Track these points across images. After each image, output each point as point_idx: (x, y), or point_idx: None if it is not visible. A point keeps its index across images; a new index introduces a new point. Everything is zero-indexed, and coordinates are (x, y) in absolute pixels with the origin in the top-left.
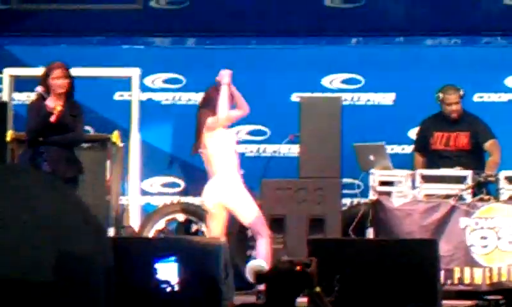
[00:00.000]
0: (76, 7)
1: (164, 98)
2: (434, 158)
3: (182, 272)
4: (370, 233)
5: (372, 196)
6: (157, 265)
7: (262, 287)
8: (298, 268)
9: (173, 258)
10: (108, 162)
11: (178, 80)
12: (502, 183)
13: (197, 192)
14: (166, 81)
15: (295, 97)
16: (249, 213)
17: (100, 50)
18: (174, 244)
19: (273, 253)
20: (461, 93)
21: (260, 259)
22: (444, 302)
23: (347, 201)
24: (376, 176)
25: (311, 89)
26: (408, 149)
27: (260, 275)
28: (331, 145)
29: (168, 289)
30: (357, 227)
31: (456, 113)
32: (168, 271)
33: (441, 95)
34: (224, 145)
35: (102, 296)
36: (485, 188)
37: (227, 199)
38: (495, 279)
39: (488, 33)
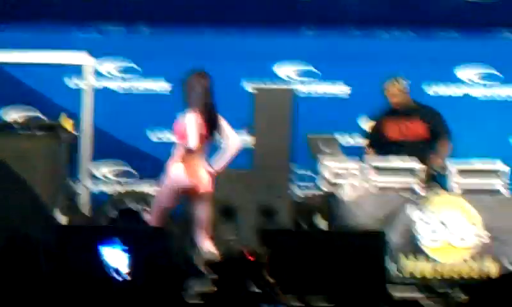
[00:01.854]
0: None
1: (117, 85)
2: (388, 150)
3: (133, 260)
4: (322, 225)
5: (325, 187)
6: (103, 249)
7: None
8: (249, 257)
9: (119, 244)
10: (59, 148)
11: (132, 68)
12: (454, 176)
13: (149, 181)
14: (120, 69)
15: (248, 87)
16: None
17: (53, 37)
18: (125, 232)
19: (225, 243)
20: (403, 84)
21: (210, 246)
22: (394, 293)
23: (299, 192)
24: (329, 167)
25: (263, 77)
26: (362, 140)
27: (210, 264)
28: (283, 136)
29: (119, 277)
30: (309, 218)
31: (398, 104)
32: (117, 259)
33: (385, 87)
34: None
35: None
36: (436, 181)
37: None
38: (445, 274)
39: (442, 26)
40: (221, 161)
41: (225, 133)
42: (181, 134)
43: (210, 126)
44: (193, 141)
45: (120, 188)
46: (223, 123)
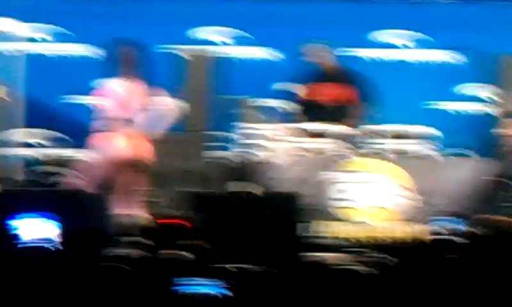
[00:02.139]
0: None
1: (47, 50)
2: (309, 112)
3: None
4: (237, 186)
5: (240, 149)
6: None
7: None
8: (181, 222)
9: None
10: None
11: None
12: (382, 140)
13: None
14: (50, 33)
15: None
16: None
17: None
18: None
19: (152, 206)
20: (326, 47)
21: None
22: (307, 254)
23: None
24: (243, 129)
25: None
26: (276, 102)
27: (145, 229)
28: (199, 99)
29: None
30: (225, 179)
31: (328, 66)
32: (45, 229)
33: (307, 51)
34: None
35: None
36: (352, 142)
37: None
38: (371, 236)
39: None
40: (159, 128)
41: (159, 100)
42: (115, 104)
43: (142, 94)
44: (131, 111)
45: (45, 154)
46: (155, 90)
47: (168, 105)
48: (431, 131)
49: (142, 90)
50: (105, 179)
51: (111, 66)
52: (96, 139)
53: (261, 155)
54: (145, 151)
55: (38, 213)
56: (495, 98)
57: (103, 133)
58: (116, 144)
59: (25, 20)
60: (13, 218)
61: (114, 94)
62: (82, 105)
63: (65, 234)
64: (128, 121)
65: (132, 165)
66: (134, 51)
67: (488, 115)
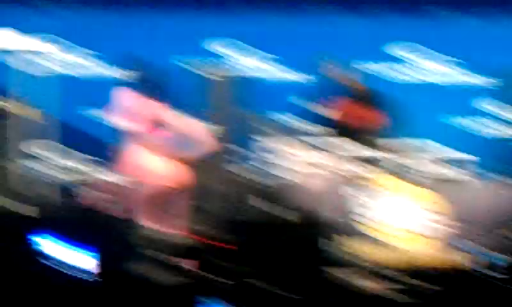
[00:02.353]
0: None
1: (61, 67)
2: (339, 134)
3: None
4: (259, 203)
5: (262, 167)
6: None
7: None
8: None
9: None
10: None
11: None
12: (396, 158)
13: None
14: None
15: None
16: None
17: None
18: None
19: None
20: (350, 67)
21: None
22: (330, 270)
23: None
24: (267, 146)
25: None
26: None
27: (183, 250)
28: (225, 117)
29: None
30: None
31: (345, 83)
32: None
33: (325, 66)
34: None
35: None
36: (379, 162)
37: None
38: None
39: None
40: (191, 149)
41: (186, 122)
42: (145, 124)
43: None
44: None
45: (67, 172)
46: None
47: (199, 129)
48: (467, 155)
49: (169, 110)
50: (142, 202)
51: (138, 86)
52: (129, 160)
53: (294, 177)
54: (180, 172)
55: (75, 242)
56: None
57: (135, 154)
58: (152, 166)
59: (57, 42)
60: (48, 244)
61: (142, 113)
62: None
63: (103, 264)
64: (160, 141)
65: (170, 188)
66: (156, 70)
67: None
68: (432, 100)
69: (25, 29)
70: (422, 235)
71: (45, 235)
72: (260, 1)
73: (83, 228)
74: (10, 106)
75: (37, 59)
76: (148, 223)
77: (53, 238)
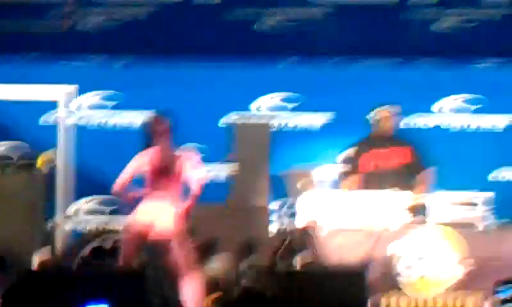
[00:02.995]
0: None
1: (94, 121)
2: (365, 180)
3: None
4: (299, 260)
5: (300, 222)
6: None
7: None
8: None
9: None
10: (34, 186)
11: (112, 97)
12: (435, 207)
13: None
14: (96, 105)
15: (226, 120)
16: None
17: (29, 70)
18: (100, 276)
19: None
20: (396, 110)
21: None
22: None
23: (276, 226)
24: (304, 202)
25: (242, 110)
26: (339, 172)
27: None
28: (260, 171)
29: None
30: (285, 253)
31: (391, 130)
32: None
33: (376, 113)
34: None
35: None
36: (415, 213)
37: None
38: None
39: (419, 57)
40: (186, 201)
41: (189, 171)
42: (154, 173)
43: (171, 166)
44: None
45: (95, 226)
46: (189, 160)
47: (198, 178)
48: (482, 198)
49: (183, 159)
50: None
51: (152, 137)
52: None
53: (322, 225)
54: (173, 223)
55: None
56: None
57: (148, 204)
58: (142, 217)
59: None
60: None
61: (152, 163)
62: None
63: None
64: (159, 192)
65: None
66: (166, 125)
67: None
68: (462, 144)
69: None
70: (450, 279)
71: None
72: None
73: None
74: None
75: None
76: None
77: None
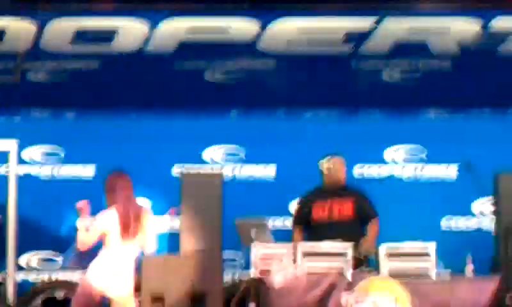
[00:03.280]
0: None
1: (42, 172)
2: (316, 230)
3: None
4: None
5: (254, 271)
6: None
7: None
8: None
9: None
10: None
11: (56, 153)
12: (383, 258)
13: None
14: (45, 154)
15: (176, 170)
16: None
17: None
18: None
19: None
20: (345, 162)
21: None
22: None
23: (229, 276)
24: (257, 251)
25: (192, 161)
26: (289, 223)
27: None
28: (212, 220)
29: None
30: (238, 303)
31: (343, 181)
32: None
33: (326, 163)
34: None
35: None
36: (365, 263)
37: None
38: None
39: (367, 107)
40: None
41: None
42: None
43: (132, 225)
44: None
45: (46, 277)
46: (147, 221)
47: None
48: (431, 249)
49: (134, 222)
50: None
51: (114, 192)
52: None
53: (270, 277)
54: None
55: None
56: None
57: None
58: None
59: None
60: None
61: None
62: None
63: None
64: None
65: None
66: (126, 182)
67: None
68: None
69: None
70: None
71: None
72: (255, 106)
73: None
74: None
75: None
76: None
77: None
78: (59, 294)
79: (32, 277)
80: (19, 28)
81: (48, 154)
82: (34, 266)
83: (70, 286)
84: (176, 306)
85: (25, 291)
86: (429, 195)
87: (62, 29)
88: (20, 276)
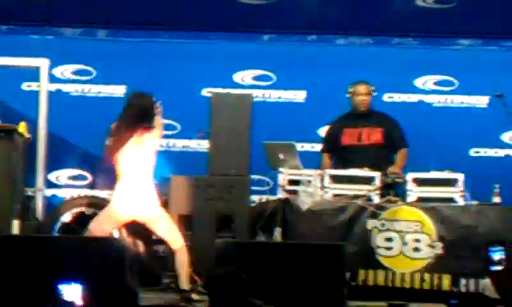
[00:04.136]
0: None
1: (73, 89)
2: (344, 155)
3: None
4: (278, 232)
5: (281, 194)
6: (62, 287)
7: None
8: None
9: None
10: (14, 153)
11: (87, 72)
12: (410, 185)
13: (104, 185)
14: (75, 72)
15: (206, 92)
16: (165, 226)
17: (8, 39)
18: (79, 246)
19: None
20: (371, 87)
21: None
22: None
23: (256, 198)
24: (285, 174)
25: (222, 84)
26: (318, 147)
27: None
28: (240, 142)
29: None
30: (265, 225)
31: (364, 105)
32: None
33: (351, 88)
34: (148, 156)
35: None
36: (393, 190)
37: (144, 214)
38: (398, 284)
39: (400, 34)
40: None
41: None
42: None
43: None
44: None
45: (75, 193)
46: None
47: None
48: (457, 176)
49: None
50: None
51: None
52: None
53: (297, 199)
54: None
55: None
56: None
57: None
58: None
59: (50, 58)
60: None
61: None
62: None
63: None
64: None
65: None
66: (150, 101)
67: None
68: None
69: None
70: (416, 257)
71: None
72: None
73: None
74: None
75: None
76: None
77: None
78: (89, 210)
79: (61, 193)
80: None
81: (78, 72)
82: (63, 182)
83: (98, 202)
84: (203, 228)
85: (55, 206)
86: (458, 124)
87: None
88: (50, 192)
